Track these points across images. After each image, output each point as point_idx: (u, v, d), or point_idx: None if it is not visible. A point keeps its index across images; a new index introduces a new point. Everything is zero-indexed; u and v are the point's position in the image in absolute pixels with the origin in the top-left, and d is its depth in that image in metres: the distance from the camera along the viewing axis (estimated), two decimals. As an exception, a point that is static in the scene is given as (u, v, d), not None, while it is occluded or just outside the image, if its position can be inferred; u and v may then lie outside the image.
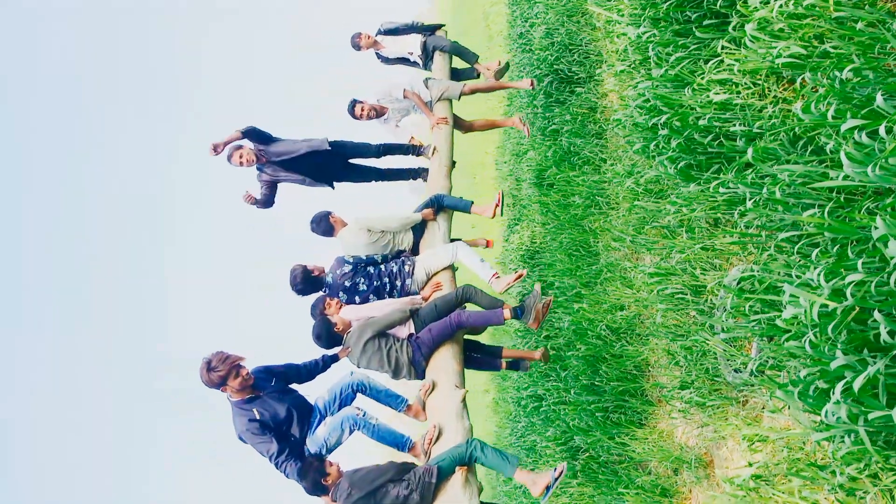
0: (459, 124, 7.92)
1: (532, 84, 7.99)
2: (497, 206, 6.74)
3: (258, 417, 4.78)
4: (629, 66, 4.71)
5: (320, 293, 5.95)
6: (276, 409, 4.86)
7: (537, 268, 8.90)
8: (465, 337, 5.84)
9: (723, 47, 3.51)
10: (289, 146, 6.96)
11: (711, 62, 3.60)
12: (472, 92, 7.86)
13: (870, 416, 2.03)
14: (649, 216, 4.84)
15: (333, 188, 7.40)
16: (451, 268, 6.15)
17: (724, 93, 3.42)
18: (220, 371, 4.69)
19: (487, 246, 7.19)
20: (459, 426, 4.82)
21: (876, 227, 2.00)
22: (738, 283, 3.31)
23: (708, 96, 3.49)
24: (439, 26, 8.58)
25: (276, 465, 4.77)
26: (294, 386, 5.23)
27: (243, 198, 7.07)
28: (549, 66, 8.39)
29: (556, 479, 4.54)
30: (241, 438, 4.86)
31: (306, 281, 5.87)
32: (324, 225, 6.29)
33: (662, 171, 4.14)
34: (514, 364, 6.44)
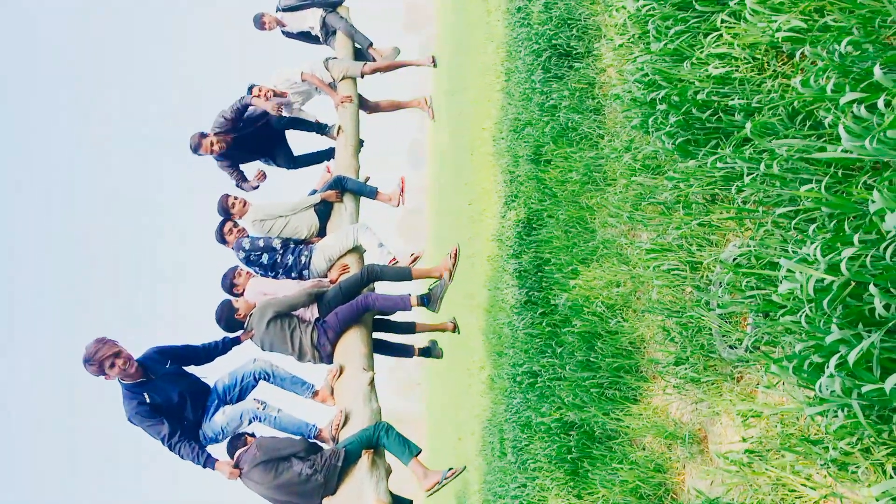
0: (365, 104, 7.91)
1: (432, 61, 7.95)
2: (402, 193, 6.71)
3: (147, 401, 4.73)
4: (628, 40, 4.67)
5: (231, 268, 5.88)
6: (169, 392, 4.81)
7: (533, 244, 8.89)
8: (375, 317, 5.81)
9: (722, 21, 3.48)
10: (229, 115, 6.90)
11: (711, 36, 3.57)
12: (373, 72, 7.85)
13: (864, 390, 2.03)
14: (646, 192, 4.82)
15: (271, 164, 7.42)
16: (359, 249, 6.11)
17: (723, 67, 3.40)
18: (94, 365, 4.65)
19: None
20: (367, 409, 4.83)
21: (873, 201, 1.99)
22: (735, 259, 3.30)
23: (707, 70, 3.47)
24: (340, 2, 8.43)
25: (170, 446, 4.75)
26: (192, 368, 5.18)
27: (256, 177, 7.10)
28: (547, 41, 8.32)
29: (447, 479, 4.56)
30: (130, 421, 4.80)
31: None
32: (217, 207, 6.27)
33: (660, 147, 4.12)
34: (427, 351, 6.45)
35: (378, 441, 4.55)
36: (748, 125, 3.00)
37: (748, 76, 3.30)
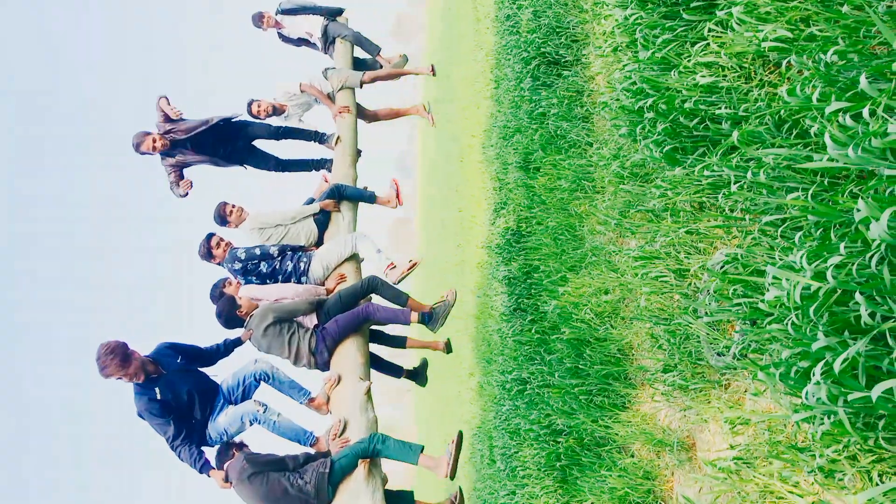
0: (363, 113, 7.89)
1: (432, 70, 7.95)
2: (398, 194, 6.73)
3: (159, 397, 4.79)
4: (616, 48, 4.69)
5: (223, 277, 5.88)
6: (178, 389, 4.87)
7: (523, 251, 8.90)
8: (370, 327, 5.80)
9: (710, 30, 3.50)
10: (198, 122, 6.83)
11: (698, 45, 3.59)
12: (373, 80, 7.83)
13: (849, 398, 2.04)
14: (634, 200, 4.84)
15: (245, 168, 7.33)
16: (356, 258, 6.11)
17: (711, 76, 3.42)
18: (110, 369, 4.71)
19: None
20: (363, 419, 4.85)
21: (858, 210, 2.00)
22: (722, 267, 3.31)
23: (694, 79, 3.49)
24: (340, 11, 8.44)
25: (172, 447, 4.83)
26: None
27: (183, 185, 6.91)
28: (536, 49, 8.35)
29: (451, 453, 4.54)
30: (140, 416, 4.87)
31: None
32: (214, 215, 6.24)
33: (648, 155, 4.13)
34: (414, 375, 6.43)
35: (375, 452, 4.54)
36: (735, 134, 3.01)
37: (735, 85, 3.32)
